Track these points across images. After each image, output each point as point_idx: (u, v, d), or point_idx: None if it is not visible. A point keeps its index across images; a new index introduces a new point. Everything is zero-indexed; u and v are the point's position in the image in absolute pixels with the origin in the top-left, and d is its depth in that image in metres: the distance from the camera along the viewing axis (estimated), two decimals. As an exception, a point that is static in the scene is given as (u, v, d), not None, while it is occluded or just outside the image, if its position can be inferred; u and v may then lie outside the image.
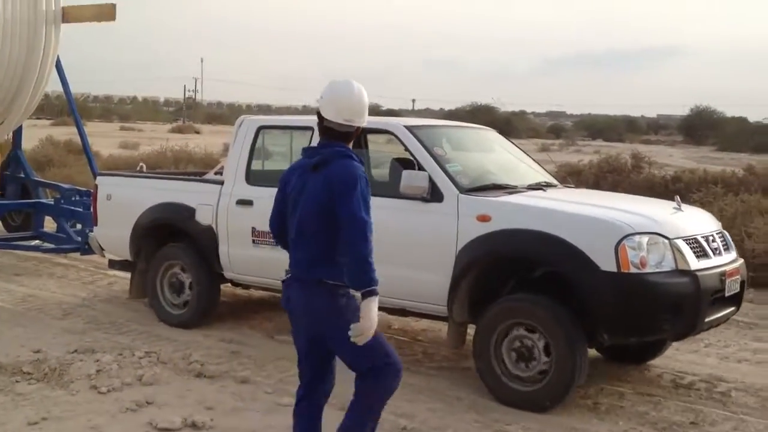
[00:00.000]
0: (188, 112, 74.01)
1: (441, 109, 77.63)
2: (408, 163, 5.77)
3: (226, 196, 6.50)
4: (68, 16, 9.71)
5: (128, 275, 7.42)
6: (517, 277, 5.44)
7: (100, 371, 5.43)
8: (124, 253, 7.21)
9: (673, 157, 30.27)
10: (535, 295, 5.19)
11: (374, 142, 6.91)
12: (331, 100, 3.58)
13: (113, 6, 9.62)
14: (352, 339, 3.41)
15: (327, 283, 3.53)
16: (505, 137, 7.07)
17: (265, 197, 5.73)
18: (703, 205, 9.34)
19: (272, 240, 5.70)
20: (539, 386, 5.06)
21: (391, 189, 5.65)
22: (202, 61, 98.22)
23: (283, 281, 3.75)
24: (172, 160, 17.95)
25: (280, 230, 3.85)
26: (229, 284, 6.95)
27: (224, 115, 63.87)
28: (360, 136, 4.13)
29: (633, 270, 4.80)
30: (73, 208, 9.40)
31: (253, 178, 6.50)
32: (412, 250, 5.53)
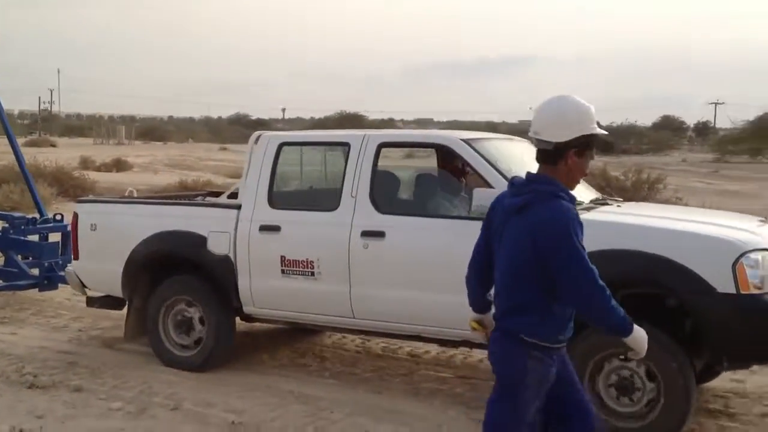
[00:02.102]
0: (44, 125, 71.12)
1: (311, 117, 77.86)
2: (443, 178, 5.66)
3: (246, 222, 5.76)
4: None
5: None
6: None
7: (-75, 388, 5.34)
8: (113, 290, 6.36)
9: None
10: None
11: (388, 156, 6.13)
12: (554, 116, 3.14)
13: None
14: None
15: (524, 339, 3.14)
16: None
17: (295, 222, 5.65)
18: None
19: (307, 269, 5.53)
20: (649, 421, 4.58)
21: (430, 208, 5.49)
22: (58, 71, 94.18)
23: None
24: (20, 175, 17.23)
25: (478, 273, 3.41)
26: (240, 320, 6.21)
27: (83, 126, 61.56)
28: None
29: (753, 291, 4.39)
30: (23, 238, 8.28)
31: (277, 200, 5.81)
32: None
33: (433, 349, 6.42)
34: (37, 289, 8.00)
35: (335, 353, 6.63)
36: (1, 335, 6.93)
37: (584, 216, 4.33)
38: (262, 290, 5.76)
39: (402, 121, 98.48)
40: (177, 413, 5.15)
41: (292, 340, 6.93)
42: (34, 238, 8.41)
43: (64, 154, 28.79)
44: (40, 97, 68.27)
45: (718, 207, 8.82)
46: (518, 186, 3.22)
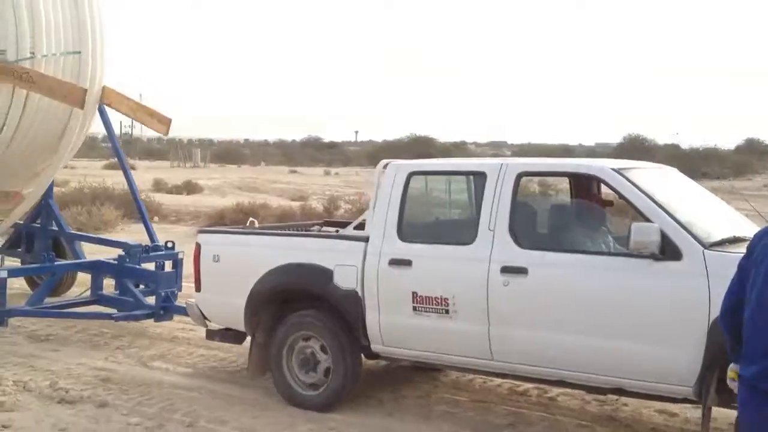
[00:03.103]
0: (126, 148, 73.20)
1: (384, 140, 78.57)
2: (584, 210, 5.47)
3: (375, 255, 5.50)
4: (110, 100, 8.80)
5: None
6: None
7: (-36, 400, 5.70)
8: (236, 323, 6.17)
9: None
10: None
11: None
12: None
13: (169, 120, 9.04)
14: None
15: None
16: (688, 177, 6.00)
17: (427, 256, 5.37)
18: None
19: (442, 306, 5.23)
20: None
21: (575, 243, 5.26)
22: (140, 96, 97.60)
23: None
24: (90, 197, 18.06)
25: (733, 312, 3.07)
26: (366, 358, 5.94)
27: (163, 150, 63.53)
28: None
29: None
30: (139, 266, 8.16)
31: (407, 233, 5.53)
32: (637, 318, 4.68)
33: (454, 373, 6.47)
34: (153, 320, 7.86)
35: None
36: (43, 352, 7.31)
37: None
38: (392, 328, 5.47)
39: (475, 144, 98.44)
40: (191, 430, 5.37)
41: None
42: (149, 266, 8.33)
43: (140, 176, 29.74)
44: (121, 122, 70.60)
45: None
46: None
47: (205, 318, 6.45)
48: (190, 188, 28.91)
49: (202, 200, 24.62)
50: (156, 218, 17.14)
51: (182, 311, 7.30)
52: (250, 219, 7.32)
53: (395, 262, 5.41)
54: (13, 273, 8.20)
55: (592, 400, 5.99)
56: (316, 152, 69.54)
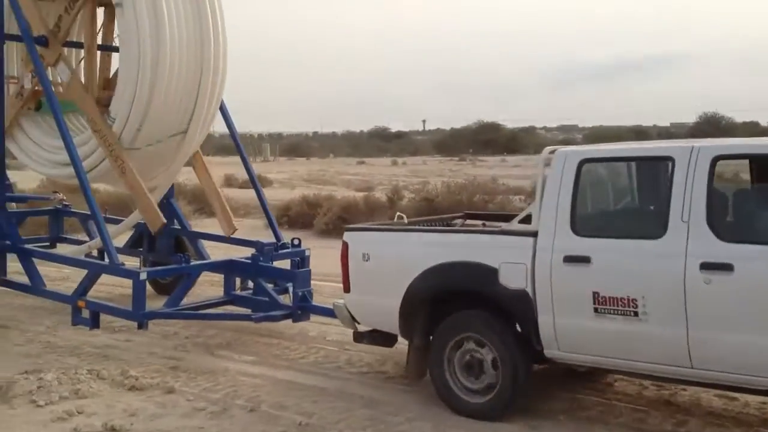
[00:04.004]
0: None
1: (452, 128, 78.32)
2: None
3: (546, 252, 5.12)
4: None
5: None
6: None
7: (40, 388, 6.02)
8: (388, 326, 5.93)
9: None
10: None
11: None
12: None
13: None
14: None
15: None
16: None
17: (608, 251, 4.96)
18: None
19: (629, 308, 4.78)
20: None
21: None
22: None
23: None
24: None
25: None
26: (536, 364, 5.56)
27: (233, 147, 64.76)
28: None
29: None
30: (274, 265, 7.99)
31: (582, 226, 5.13)
32: None
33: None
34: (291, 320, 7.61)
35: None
36: (116, 342, 7.66)
37: None
38: (570, 332, 5.06)
39: (545, 128, 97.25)
40: (253, 414, 5.58)
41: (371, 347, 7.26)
42: (282, 264, 8.16)
43: (213, 172, 30.50)
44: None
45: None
46: None
47: (354, 320, 6.20)
48: (259, 182, 29.39)
49: (271, 194, 24.96)
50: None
51: (319, 311, 7.35)
52: (398, 214, 6.92)
53: (571, 259, 5.01)
54: (152, 274, 8.07)
55: (650, 385, 5.96)
56: (384, 142, 69.92)
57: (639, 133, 76.75)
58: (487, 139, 61.43)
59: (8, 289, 9.01)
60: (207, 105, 8.33)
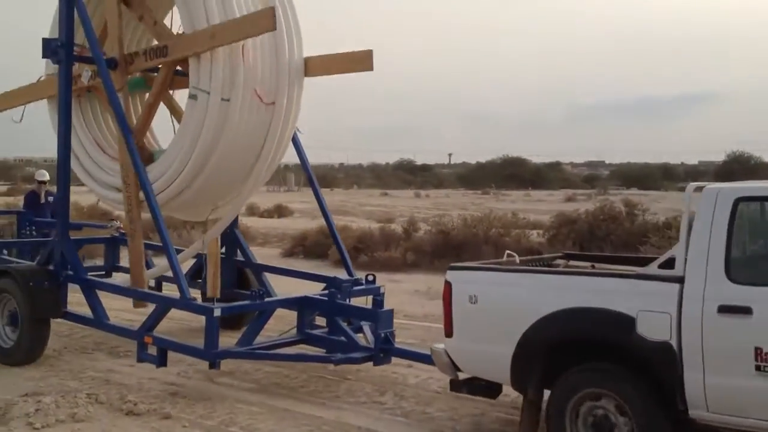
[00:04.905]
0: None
1: (477, 162, 78.48)
2: None
3: (695, 300, 4.59)
4: (313, 68, 8.13)
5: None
6: None
7: (38, 410, 6.05)
8: (497, 376, 5.42)
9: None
10: None
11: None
12: None
13: (370, 52, 7.81)
14: None
15: None
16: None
17: None
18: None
19: None
20: None
21: None
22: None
23: None
24: (180, 219, 18.69)
25: None
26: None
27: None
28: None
29: None
30: (352, 304, 7.53)
31: (740, 272, 4.60)
32: None
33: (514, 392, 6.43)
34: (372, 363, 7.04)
35: (416, 393, 6.82)
36: (119, 367, 7.70)
37: None
38: (724, 391, 4.52)
39: (571, 164, 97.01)
40: (245, 441, 5.56)
41: (371, 377, 7.22)
42: (357, 302, 7.67)
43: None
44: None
45: None
46: None
47: (456, 368, 5.62)
48: (280, 212, 29.67)
49: (291, 223, 25.17)
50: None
51: (405, 354, 7.00)
52: (507, 252, 6.49)
53: (727, 309, 4.48)
54: (226, 311, 7.25)
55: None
56: (409, 174, 70.15)
57: (666, 171, 76.57)
58: (512, 174, 61.37)
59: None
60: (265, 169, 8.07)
